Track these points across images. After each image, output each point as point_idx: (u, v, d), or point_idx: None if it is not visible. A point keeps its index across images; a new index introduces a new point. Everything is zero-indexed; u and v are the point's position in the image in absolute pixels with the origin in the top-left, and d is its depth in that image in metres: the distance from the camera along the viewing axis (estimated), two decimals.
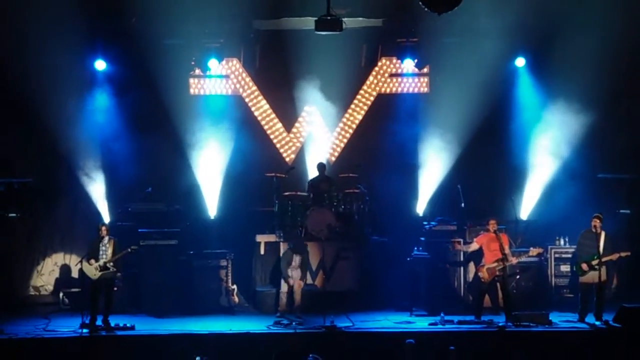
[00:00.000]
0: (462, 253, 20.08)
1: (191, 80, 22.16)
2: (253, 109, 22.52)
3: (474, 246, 18.96)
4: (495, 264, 18.44)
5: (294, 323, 18.00)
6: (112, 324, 17.72)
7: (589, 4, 20.23)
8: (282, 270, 19.30)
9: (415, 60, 21.96)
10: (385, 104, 22.59)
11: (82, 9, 19.85)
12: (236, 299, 19.93)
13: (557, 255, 20.30)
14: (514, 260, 18.54)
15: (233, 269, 20.05)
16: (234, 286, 19.95)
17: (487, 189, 21.44)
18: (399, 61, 22.35)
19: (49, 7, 19.34)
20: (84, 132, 20.90)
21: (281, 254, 19.55)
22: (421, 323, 18.26)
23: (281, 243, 20.33)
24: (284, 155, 22.58)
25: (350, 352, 16.98)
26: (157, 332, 17.54)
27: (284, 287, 19.50)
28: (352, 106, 22.61)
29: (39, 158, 21.14)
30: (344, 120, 22.63)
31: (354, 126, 22.67)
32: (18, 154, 21.11)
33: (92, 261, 17.90)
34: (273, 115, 22.56)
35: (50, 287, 21.12)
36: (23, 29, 19.66)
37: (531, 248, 19.30)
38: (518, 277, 19.71)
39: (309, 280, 19.77)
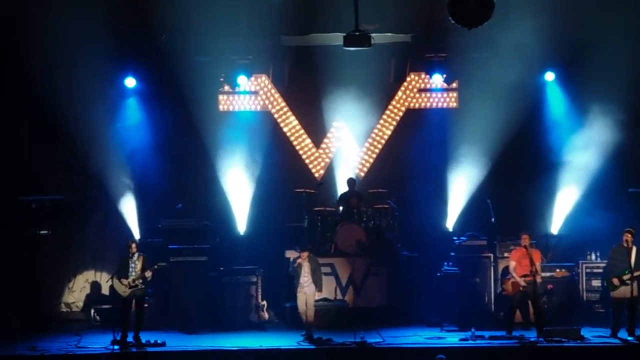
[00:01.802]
0: (492, 268, 20.02)
1: (220, 97, 22.24)
2: (282, 124, 22.57)
3: (512, 264, 18.73)
4: (521, 279, 18.35)
5: (323, 338, 17.95)
6: (143, 341, 17.75)
7: (617, 16, 20.15)
8: (295, 285, 18.60)
9: (444, 76, 21.96)
10: (414, 119, 22.58)
11: (113, 27, 19.99)
12: (266, 315, 19.93)
13: (588, 270, 20.18)
14: (539, 279, 18.37)
15: (263, 285, 20.05)
16: (264, 302, 19.95)
17: (518, 203, 21.37)
18: (428, 76, 22.35)
19: (80, 25, 19.45)
20: (115, 149, 21.00)
21: (289, 269, 18.73)
22: (452, 338, 18.18)
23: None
24: (313, 170, 22.60)
25: None
26: (187, 348, 17.54)
27: (300, 305, 18.53)
28: (381, 121, 22.61)
29: (70, 175, 21.26)
30: (373, 135, 22.63)
31: (383, 141, 22.67)
32: (49, 171, 21.24)
33: (123, 280, 17.96)
34: (302, 131, 22.60)
35: (81, 304, 21.21)
36: (55, 46, 19.79)
37: (556, 270, 19.26)
38: (551, 292, 19.59)
39: (328, 295, 19.66)
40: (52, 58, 19.96)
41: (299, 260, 18.33)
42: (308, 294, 18.38)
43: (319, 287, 18.41)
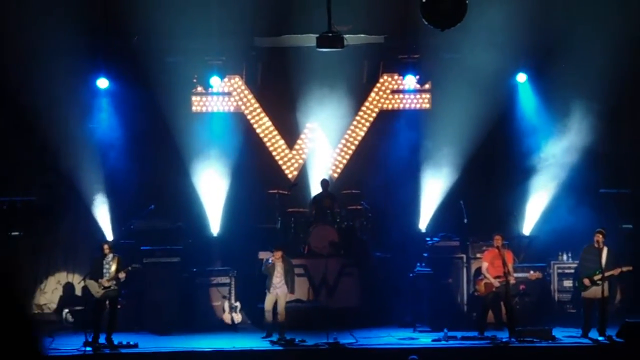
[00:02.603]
0: (464, 269, 20.10)
1: (193, 98, 22.19)
2: (255, 125, 22.54)
3: (484, 264, 18.79)
4: (494, 280, 18.42)
5: (296, 339, 17.95)
6: (116, 342, 17.68)
7: (588, 16, 20.25)
8: (266, 285, 18.47)
9: (417, 77, 21.99)
10: (387, 120, 22.61)
11: (85, 27, 19.92)
12: (239, 316, 19.91)
13: (560, 271, 20.29)
14: (512, 280, 18.43)
15: (236, 286, 20.03)
16: (237, 303, 19.93)
17: (490, 204, 21.44)
18: (401, 77, 22.37)
19: (52, 25, 19.37)
20: (86, 150, 20.92)
21: (262, 268, 18.63)
22: (424, 339, 18.23)
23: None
24: (287, 172, 22.59)
25: None
26: (160, 349, 17.50)
27: (267, 304, 18.45)
28: (355, 122, 22.63)
29: (42, 176, 21.16)
30: (347, 136, 22.65)
31: (357, 142, 22.69)
32: (20, 172, 21.14)
33: (92, 281, 17.88)
34: (275, 132, 22.59)
35: (54, 305, 21.10)
36: (25, 46, 19.71)
37: (530, 272, 19.37)
38: (523, 293, 19.67)
39: (302, 296, 19.67)
40: (25, 58, 19.87)
41: (272, 260, 18.30)
42: (280, 295, 18.32)
43: (291, 288, 18.39)
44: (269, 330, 18.34)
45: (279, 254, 18.30)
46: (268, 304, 18.34)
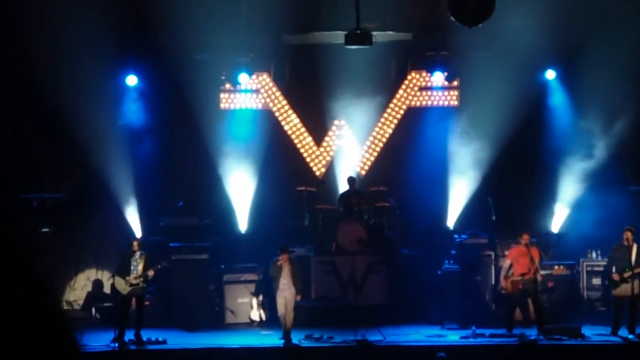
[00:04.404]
0: (493, 266, 20.05)
1: (221, 95, 22.24)
2: (283, 123, 22.57)
3: (507, 262, 18.77)
4: (520, 277, 18.36)
5: (324, 337, 17.94)
6: (144, 339, 17.77)
7: (618, 12, 20.16)
8: (273, 288, 18.12)
9: (445, 74, 21.96)
10: (415, 117, 22.59)
11: (114, 25, 20.01)
12: (267, 313, 19.92)
13: (589, 269, 20.18)
14: (539, 277, 18.39)
15: (264, 283, 20.05)
16: (265, 300, 19.95)
17: (519, 201, 21.39)
18: (429, 74, 22.33)
19: (82, 23, 19.47)
20: (116, 147, 21.02)
21: (269, 270, 18.32)
22: (452, 336, 18.20)
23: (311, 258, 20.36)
24: (314, 169, 22.60)
25: None
26: (188, 346, 17.58)
27: (280, 309, 17.96)
28: (382, 119, 22.61)
29: (71, 173, 21.28)
30: (374, 133, 22.63)
31: (384, 139, 22.67)
32: (50, 169, 21.27)
33: (120, 278, 17.97)
34: (303, 129, 22.60)
35: (82, 302, 21.23)
36: (57, 44, 19.80)
37: (555, 267, 19.29)
38: (551, 290, 19.61)
39: (329, 293, 19.66)
40: (55, 56, 19.96)
41: (279, 262, 18.07)
42: (288, 297, 17.84)
43: (298, 290, 17.97)
44: (286, 333, 17.87)
45: (285, 256, 17.97)
46: (281, 309, 17.89)
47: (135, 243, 18.23)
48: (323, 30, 21.36)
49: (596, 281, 20.05)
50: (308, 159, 22.61)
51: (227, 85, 22.10)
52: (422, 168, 21.61)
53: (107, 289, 20.60)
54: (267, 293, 19.92)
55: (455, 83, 22.34)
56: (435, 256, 20.43)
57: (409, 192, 21.65)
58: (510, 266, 18.53)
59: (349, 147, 22.60)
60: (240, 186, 21.71)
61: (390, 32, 21.40)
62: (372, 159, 22.68)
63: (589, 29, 20.37)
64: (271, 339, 18.03)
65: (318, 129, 22.58)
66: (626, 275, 17.91)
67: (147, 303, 18.59)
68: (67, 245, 21.29)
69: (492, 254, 20.19)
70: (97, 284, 21.24)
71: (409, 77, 22.63)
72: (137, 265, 18.04)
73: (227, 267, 20.20)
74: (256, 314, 19.90)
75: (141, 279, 17.97)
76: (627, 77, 20.17)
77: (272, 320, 19.98)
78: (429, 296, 19.95)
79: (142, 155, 21.34)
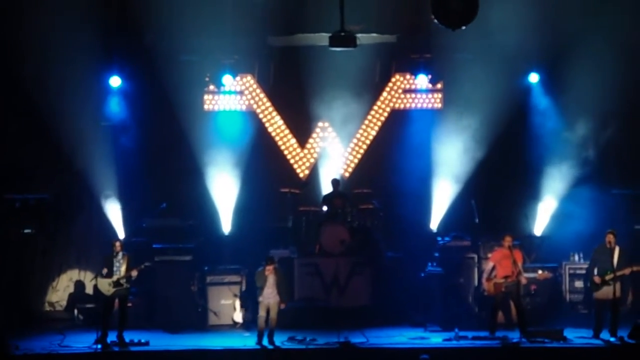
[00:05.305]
0: (476, 269, 20.09)
1: (206, 96, 22.23)
2: (267, 124, 22.57)
3: (490, 265, 18.80)
4: (503, 280, 18.40)
5: (307, 339, 17.94)
6: (127, 340, 17.73)
7: (600, 16, 20.24)
8: (257, 293, 18.16)
9: (429, 76, 22.01)
10: (399, 120, 22.61)
11: (99, 26, 19.99)
12: (250, 315, 19.90)
13: (571, 272, 20.26)
14: (523, 280, 18.43)
15: (247, 285, 20.04)
16: (248, 302, 19.93)
17: (502, 204, 21.43)
18: (413, 77, 22.38)
19: (67, 24, 19.45)
20: (99, 148, 20.97)
21: (254, 277, 18.35)
22: (435, 339, 18.22)
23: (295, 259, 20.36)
24: (298, 171, 22.61)
25: None
26: (171, 347, 17.54)
27: (261, 310, 18.01)
28: (366, 122, 22.63)
29: (55, 174, 21.22)
30: (358, 135, 22.65)
31: (368, 142, 22.69)
32: (33, 170, 21.19)
33: (102, 280, 17.94)
34: (287, 131, 22.61)
35: (65, 303, 21.17)
36: (41, 44, 19.76)
37: (539, 271, 19.35)
38: (533, 293, 19.66)
39: (313, 294, 19.67)
40: (40, 56, 19.94)
41: (265, 273, 17.94)
42: (272, 304, 17.88)
43: (283, 299, 17.97)
44: (260, 336, 17.89)
45: (270, 267, 17.98)
46: (262, 311, 17.95)
47: (117, 244, 18.19)
48: (307, 32, 21.37)
49: (579, 284, 20.12)
50: (292, 161, 22.61)
51: (211, 87, 22.09)
52: (406, 170, 21.63)
53: (89, 290, 20.55)
54: (250, 295, 19.92)
55: (439, 85, 22.38)
56: (418, 258, 20.48)
57: (393, 194, 21.66)
58: (493, 268, 18.56)
59: (332, 149, 22.62)
60: (223, 187, 21.69)
61: (375, 35, 21.44)
62: (356, 161, 22.69)
63: (573, 31, 20.44)
64: (254, 340, 18.00)
65: (302, 130, 22.59)
66: (608, 277, 17.95)
67: (129, 304, 18.55)
68: (49, 246, 21.23)
69: (475, 256, 20.25)
70: (80, 285, 21.18)
71: (393, 80, 22.65)
72: (120, 267, 18.01)
73: (211, 269, 20.19)
74: (239, 316, 19.89)
75: (124, 280, 17.94)
76: (611, 81, 20.22)
77: (255, 322, 19.95)
78: (412, 298, 19.97)
79: (125, 156, 21.29)
